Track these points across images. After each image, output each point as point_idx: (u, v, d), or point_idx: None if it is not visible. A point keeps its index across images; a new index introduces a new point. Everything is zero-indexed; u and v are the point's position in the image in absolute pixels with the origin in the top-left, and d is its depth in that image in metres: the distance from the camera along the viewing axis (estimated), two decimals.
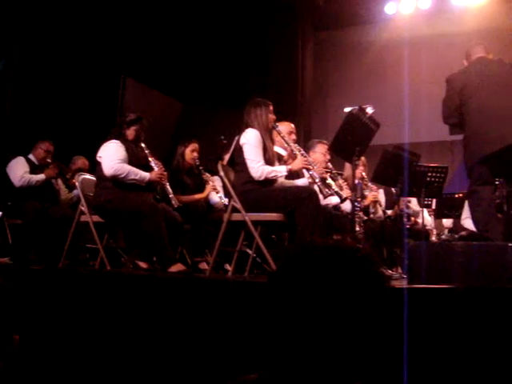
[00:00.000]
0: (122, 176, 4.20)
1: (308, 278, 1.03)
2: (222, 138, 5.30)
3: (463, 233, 5.61)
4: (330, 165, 4.64)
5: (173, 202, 4.42)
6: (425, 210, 6.29)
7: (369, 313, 1.03)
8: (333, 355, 1.01)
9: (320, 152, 4.58)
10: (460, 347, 2.61)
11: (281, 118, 4.60)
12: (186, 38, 7.53)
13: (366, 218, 4.60)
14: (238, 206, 3.84)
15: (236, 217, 3.90)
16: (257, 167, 3.82)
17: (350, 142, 3.80)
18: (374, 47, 8.70)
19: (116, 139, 4.36)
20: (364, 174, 5.07)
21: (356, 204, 3.79)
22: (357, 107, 3.82)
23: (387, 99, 8.52)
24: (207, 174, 5.11)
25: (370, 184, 5.01)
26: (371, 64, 8.74)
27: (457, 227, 6.01)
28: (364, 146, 3.97)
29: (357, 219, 3.70)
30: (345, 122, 3.79)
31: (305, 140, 6.84)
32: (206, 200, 5.11)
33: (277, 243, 4.55)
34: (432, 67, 8.24)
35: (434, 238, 6.53)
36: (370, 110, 3.93)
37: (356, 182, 5.17)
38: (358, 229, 3.68)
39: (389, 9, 8.60)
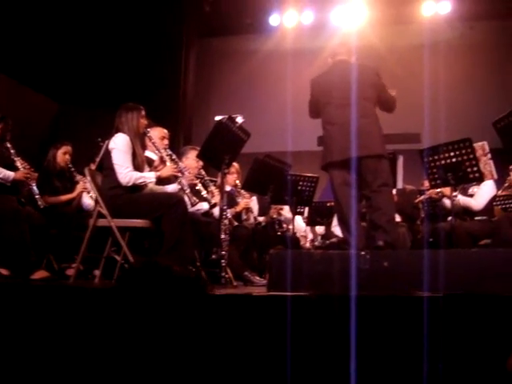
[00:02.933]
0: None
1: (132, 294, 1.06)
2: (100, 140, 5.20)
3: (334, 239, 5.86)
4: (202, 171, 4.67)
5: (39, 203, 4.43)
6: (299, 218, 6.49)
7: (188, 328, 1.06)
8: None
9: (192, 158, 4.58)
10: (311, 354, 2.69)
11: (161, 124, 4.58)
12: (65, 37, 7.26)
13: (236, 223, 4.67)
14: (104, 211, 3.75)
15: (102, 222, 3.82)
16: (125, 173, 3.76)
17: (219, 150, 3.84)
18: (258, 56, 8.87)
19: None
20: (238, 181, 5.14)
21: (223, 212, 3.83)
22: (226, 116, 3.86)
23: (270, 108, 8.72)
24: (80, 176, 5.01)
25: (242, 191, 5.09)
26: (255, 73, 8.91)
27: (328, 234, 6.25)
28: (234, 155, 4.03)
29: (222, 226, 3.74)
30: (213, 130, 3.83)
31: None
32: (79, 204, 5.02)
33: (148, 249, 4.50)
34: None
35: (308, 245, 6.76)
36: (239, 120, 3.99)
37: (228, 189, 5.25)
38: (223, 236, 3.72)
39: (273, 20, 8.81)
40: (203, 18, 8.64)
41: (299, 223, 6.66)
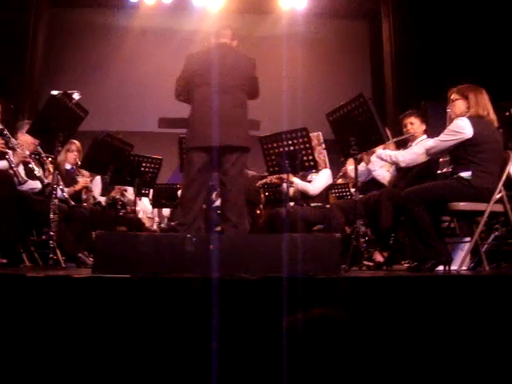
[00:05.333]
0: None
1: None
2: None
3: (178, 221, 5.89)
4: (39, 148, 4.48)
5: None
6: (146, 199, 6.46)
7: None
8: None
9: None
10: (135, 335, 2.69)
11: (5, 97, 4.30)
12: None
13: (73, 203, 4.54)
14: None
15: None
16: None
17: (53, 126, 3.72)
18: (113, 32, 8.62)
19: None
20: (78, 160, 5.00)
21: (53, 190, 3.71)
22: (61, 91, 3.74)
23: (122, 87, 8.57)
24: None
25: (83, 170, 4.95)
26: (109, 49, 8.64)
27: (173, 216, 6.26)
28: (70, 132, 3.91)
29: (52, 206, 3.63)
30: (46, 105, 3.69)
31: None
32: None
33: None
34: (166, 60, 8.44)
35: (155, 227, 6.74)
36: (76, 96, 3.89)
37: (69, 167, 5.10)
38: (52, 216, 3.62)
39: None
40: None
41: (146, 205, 6.61)
